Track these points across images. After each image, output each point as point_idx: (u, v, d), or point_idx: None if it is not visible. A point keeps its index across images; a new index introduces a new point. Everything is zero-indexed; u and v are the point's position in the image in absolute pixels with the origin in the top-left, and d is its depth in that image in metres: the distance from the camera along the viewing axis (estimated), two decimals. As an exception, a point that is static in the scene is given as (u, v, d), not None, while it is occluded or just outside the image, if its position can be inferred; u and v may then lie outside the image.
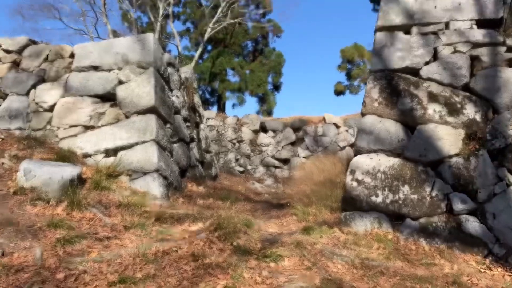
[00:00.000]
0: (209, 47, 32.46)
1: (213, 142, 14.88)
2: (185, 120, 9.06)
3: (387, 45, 6.43)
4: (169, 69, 8.62)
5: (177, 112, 8.64)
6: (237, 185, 9.70)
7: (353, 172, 5.95)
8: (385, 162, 5.86)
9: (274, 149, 14.54)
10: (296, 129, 14.64)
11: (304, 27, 60.71)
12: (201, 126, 10.35)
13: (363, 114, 6.31)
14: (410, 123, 6.03)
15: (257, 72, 29.37)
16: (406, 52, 6.33)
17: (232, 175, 14.11)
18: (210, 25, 26.08)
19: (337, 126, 14.30)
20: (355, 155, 6.19)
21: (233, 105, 31.10)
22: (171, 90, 8.53)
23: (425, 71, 6.20)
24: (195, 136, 9.48)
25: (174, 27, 27.51)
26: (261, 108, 29.70)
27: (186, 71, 9.90)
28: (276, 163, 14.37)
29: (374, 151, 6.02)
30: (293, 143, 14.51)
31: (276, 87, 31.22)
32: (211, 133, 15.00)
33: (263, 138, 14.77)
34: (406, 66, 6.27)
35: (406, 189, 5.64)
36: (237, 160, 14.74)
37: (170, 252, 4.57)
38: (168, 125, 7.88)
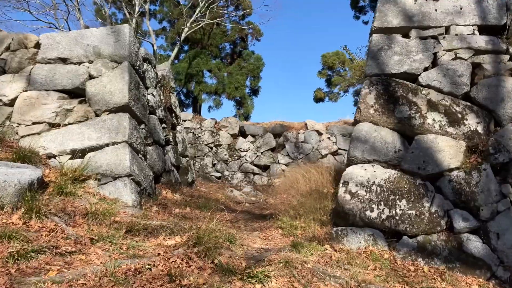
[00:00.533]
0: (186, 47, 31.78)
1: (189, 145, 14.20)
2: (161, 121, 8.41)
3: (384, 48, 6.02)
4: (145, 65, 7.96)
5: (153, 112, 7.99)
6: (215, 192, 9.08)
7: (346, 183, 5.47)
8: (381, 174, 5.42)
9: (253, 154, 13.95)
10: (276, 135, 14.08)
11: (285, 32, 60.50)
12: (178, 128, 9.69)
13: (357, 121, 5.86)
14: (408, 132, 5.62)
15: (235, 75, 28.82)
16: (404, 56, 5.93)
17: (209, 181, 13.46)
18: (188, 24, 25.40)
19: (319, 133, 13.85)
20: (348, 165, 5.73)
21: (209, 108, 30.48)
22: (146, 88, 7.87)
23: (424, 78, 5.81)
24: (171, 139, 8.83)
25: (150, 25, 26.65)
26: (238, 112, 29.14)
27: (163, 68, 9.26)
28: (255, 169, 13.78)
29: (369, 162, 5.57)
30: (273, 149, 13.94)
31: (254, 91, 30.76)
32: (187, 136, 14.32)
33: (242, 143, 14.16)
34: (404, 71, 5.87)
35: (403, 204, 5.20)
36: (214, 165, 14.08)
37: (143, 271, 3.96)
38: (143, 126, 7.23)
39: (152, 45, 26.40)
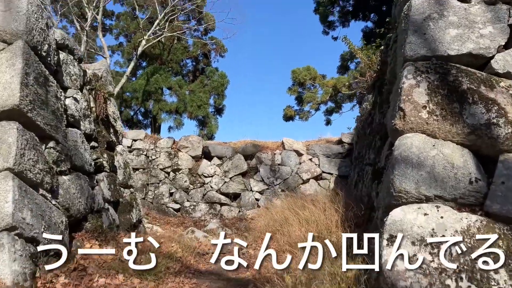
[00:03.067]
0: (144, 64, 29.23)
1: (141, 171, 11.53)
2: (89, 138, 5.82)
3: (433, 17, 3.82)
4: (62, 55, 5.41)
5: (74, 124, 5.40)
6: (168, 239, 6.48)
7: (393, 239, 3.12)
8: (454, 222, 3.11)
9: (220, 181, 11.40)
10: (248, 157, 11.63)
11: (251, 48, 58.45)
12: (118, 148, 7.09)
13: (399, 132, 3.56)
14: (486, 148, 3.38)
15: (197, 92, 26.40)
16: (465, 29, 3.75)
17: (165, 214, 10.80)
18: (145, 37, 22.92)
19: (299, 154, 11.52)
20: (390, 206, 3.39)
21: (170, 128, 27.73)
22: (63, 88, 5.30)
23: (500, 62, 3.64)
24: (105, 163, 6.23)
25: (104, 41, 23.90)
26: (201, 132, 26.60)
27: (99, 68, 6.76)
28: (223, 199, 11.22)
29: (428, 199, 3.26)
30: (244, 174, 11.44)
31: (219, 110, 28.36)
32: (138, 158, 11.63)
33: (206, 166, 11.60)
34: (468, 52, 3.67)
35: (502, 278, 2.89)
36: (171, 194, 11.40)
37: None
38: (52, 144, 4.64)
39: (105, 58, 23.68)
